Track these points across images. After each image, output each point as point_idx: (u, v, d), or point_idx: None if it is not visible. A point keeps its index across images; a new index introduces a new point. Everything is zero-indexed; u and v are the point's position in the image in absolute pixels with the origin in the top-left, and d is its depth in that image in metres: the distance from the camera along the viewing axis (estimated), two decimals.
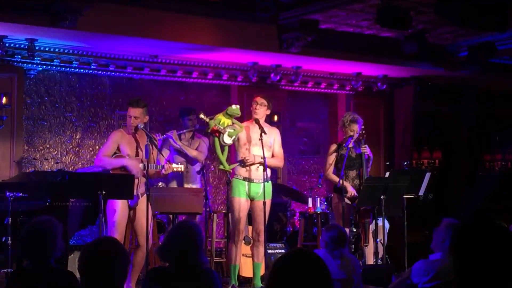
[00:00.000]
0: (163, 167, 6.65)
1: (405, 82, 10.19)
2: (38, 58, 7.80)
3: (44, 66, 8.04)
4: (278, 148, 7.04)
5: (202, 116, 6.81)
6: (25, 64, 7.90)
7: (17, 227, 6.19)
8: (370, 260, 7.39)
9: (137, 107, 6.58)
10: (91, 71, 8.34)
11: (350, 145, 7.41)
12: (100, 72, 8.41)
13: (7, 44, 7.44)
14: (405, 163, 9.87)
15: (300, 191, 9.22)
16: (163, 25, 7.53)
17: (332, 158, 7.50)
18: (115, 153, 6.57)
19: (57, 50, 7.84)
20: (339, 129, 8.22)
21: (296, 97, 10.26)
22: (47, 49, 7.76)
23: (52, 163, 8.27)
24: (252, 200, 6.87)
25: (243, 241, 7.13)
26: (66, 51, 7.92)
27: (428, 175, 7.95)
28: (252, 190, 6.83)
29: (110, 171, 6.48)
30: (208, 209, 7.22)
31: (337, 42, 8.55)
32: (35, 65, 7.96)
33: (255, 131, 6.82)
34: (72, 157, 8.53)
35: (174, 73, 8.76)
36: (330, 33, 8.42)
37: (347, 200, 7.29)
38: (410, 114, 10.19)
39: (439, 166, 11.11)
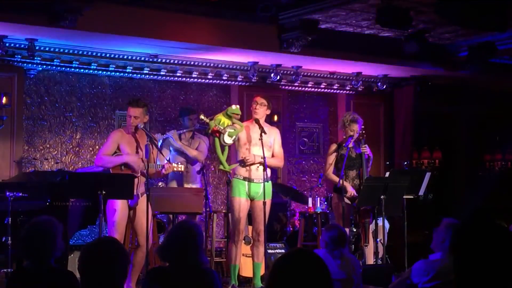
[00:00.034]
0: (163, 167, 6.65)
1: (405, 82, 10.19)
2: (38, 58, 7.80)
3: (44, 66, 8.04)
4: (278, 148, 7.04)
5: (202, 116, 6.81)
6: (25, 64, 7.90)
7: (17, 227, 6.19)
8: (370, 260, 7.39)
9: (137, 107, 6.58)
10: (91, 71, 8.33)
11: (350, 145, 7.41)
12: (100, 72, 8.41)
13: (7, 44, 7.43)
14: (405, 163, 9.87)
15: (300, 191, 9.22)
16: (163, 25, 7.53)
17: (332, 158, 7.50)
18: (115, 152, 6.58)
19: (57, 50, 7.83)
20: (339, 129, 8.23)
21: (296, 97, 10.26)
22: (47, 49, 7.76)
23: (52, 163, 8.27)
24: (252, 200, 6.87)
25: (243, 241, 7.13)
26: (66, 51, 7.91)
27: (428, 175, 7.95)
28: (252, 190, 6.83)
29: (110, 170, 6.49)
30: (208, 209, 7.22)
31: (337, 42, 8.55)
32: (35, 65, 7.96)
33: (255, 131, 6.83)
34: (72, 157, 8.53)
35: (174, 73, 8.75)
36: (330, 33, 8.41)
37: (347, 200, 7.29)
38: (410, 114, 10.19)
39: (439, 166, 11.11)
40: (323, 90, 10.08)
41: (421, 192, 7.92)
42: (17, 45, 7.57)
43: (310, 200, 8.60)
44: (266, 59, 8.74)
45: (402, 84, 10.25)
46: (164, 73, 8.68)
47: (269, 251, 7.86)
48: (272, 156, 6.99)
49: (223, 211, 8.55)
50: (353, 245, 7.35)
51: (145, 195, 6.36)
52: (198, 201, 6.64)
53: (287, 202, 8.79)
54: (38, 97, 8.34)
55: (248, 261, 7.54)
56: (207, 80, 9.08)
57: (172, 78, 8.88)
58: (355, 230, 7.36)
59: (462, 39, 8.92)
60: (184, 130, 7.52)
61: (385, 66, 9.37)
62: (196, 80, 9.01)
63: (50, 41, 7.62)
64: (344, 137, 7.58)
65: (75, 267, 4.34)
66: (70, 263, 6.95)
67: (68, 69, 8.19)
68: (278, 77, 9.11)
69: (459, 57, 9.30)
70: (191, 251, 3.69)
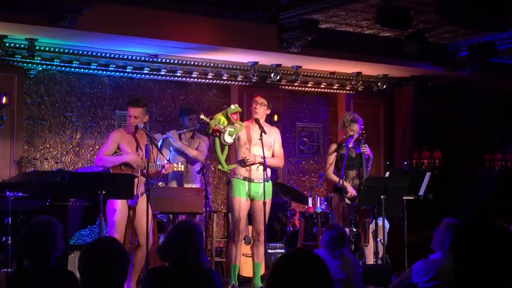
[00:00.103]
0: (163, 167, 6.65)
1: (405, 82, 10.18)
2: (38, 58, 7.80)
3: (44, 66, 8.04)
4: (278, 148, 7.05)
5: (202, 116, 6.81)
6: (25, 64, 7.89)
7: (17, 227, 6.19)
8: (370, 260, 7.39)
9: (137, 106, 6.58)
10: (91, 71, 8.33)
11: (350, 145, 7.41)
12: (100, 72, 8.41)
13: (7, 44, 7.43)
14: (405, 163, 9.87)
15: (300, 191, 9.22)
16: (163, 24, 7.53)
17: (332, 158, 7.50)
18: (115, 152, 6.58)
19: (57, 49, 7.83)
20: (339, 129, 8.23)
21: (296, 97, 10.26)
22: (47, 48, 7.75)
23: (52, 163, 8.27)
24: (252, 200, 6.87)
25: (243, 241, 7.14)
26: (66, 50, 7.90)
27: (428, 175, 7.95)
28: (252, 190, 6.83)
29: (110, 170, 6.49)
30: (208, 209, 7.22)
31: (337, 41, 8.54)
32: (35, 65, 7.96)
33: (255, 130, 6.83)
34: (72, 157, 8.53)
35: (174, 73, 8.75)
36: (330, 33, 8.41)
37: (347, 200, 7.29)
38: (410, 114, 10.19)
39: (439, 166, 11.11)
40: (323, 90, 10.08)
41: (421, 192, 7.92)
42: (17, 45, 7.57)
43: (310, 200, 8.60)
44: (266, 59, 8.74)
45: (402, 84, 10.25)
46: (164, 73, 8.68)
47: (269, 251, 7.86)
48: (272, 156, 6.99)
49: (223, 211, 8.55)
50: (353, 245, 7.35)
51: (145, 195, 6.36)
52: (198, 201, 6.64)
53: (287, 202, 8.79)
54: (38, 97, 8.33)
55: (248, 261, 7.54)
56: (207, 80, 9.07)
57: (172, 78, 8.87)
58: (355, 230, 7.36)
59: (462, 39, 8.91)
60: (184, 130, 7.52)
61: (385, 66, 9.37)
62: (196, 80, 9.01)
63: (50, 41, 7.62)
64: (344, 137, 7.58)
65: (75, 267, 4.34)
66: (70, 263, 6.95)
67: (68, 69, 8.19)
68: (278, 77, 9.11)
69: (459, 57, 9.30)
70: (191, 251, 3.69)
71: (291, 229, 8.88)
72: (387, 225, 7.96)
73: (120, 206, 6.45)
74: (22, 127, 8.15)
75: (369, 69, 9.65)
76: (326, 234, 5.34)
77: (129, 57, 8.31)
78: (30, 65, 7.93)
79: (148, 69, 8.56)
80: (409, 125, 10.20)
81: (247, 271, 7.75)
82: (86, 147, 8.63)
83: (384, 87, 10.05)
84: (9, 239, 6.19)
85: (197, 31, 7.71)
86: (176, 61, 8.59)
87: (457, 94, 10.66)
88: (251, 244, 7.17)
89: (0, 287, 6.03)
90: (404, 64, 9.29)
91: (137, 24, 7.36)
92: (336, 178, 7.32)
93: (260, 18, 7.83)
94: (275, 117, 9.32)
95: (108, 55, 8.13)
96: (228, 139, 6.75)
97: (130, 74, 8.59)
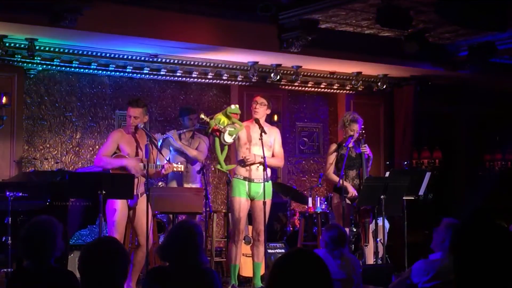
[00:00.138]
0: (162, 167, 6.65)
1: (405, 82, 10.19)
2: (38, 58, 7.79)
3: (44, 66, 8.04)
4: (278, 148, 7.05)
5: (202, 116, 6.82)
6: (25, 64, 7.89)
7: (17, 227, 6.18)
8: (370, 259, 7.39)
9: (137, 107, 6.58)
10: (91, 71, 8.33)
11: (350, 145, 7.41)
12: (100, 71, 8.41)
13: (7, 44, 7.43)
14: (405, 162, 9.87)
15: (300, 191, 9.22)
16: (163, 24, 7.53)
17: (332, 158, 7.50)
18: (115, 152, 6.58)
19: (57, 49, 7.83)
20: (339, 129, 8.23)
21: (296, 97, 10.26)
22: (47, 48, 7.75)
23: (52, 162, 8.27)
24: (252, 200, 6.87)
25: (243, 241, 7.14)
26: (66, 50, 7.90)
27: (428, 175, 7.95)
28: (252, 190, 6.83)
29: (110, 171, 6.48)
30: (208, 209, 7.22)
31: (337, 41, 8.54)
32: (35, 65, 7.96)
33: (255, 130, 6.83)
34: (72, 156, 8.53)
35: (174, 73, 8.75)
36: (330, 33, 8.41)
37: (347, 200, 7.29)
38: (410, 114, 10.19)
39: (439, 166, 11.11)
40: (323, 90, 10.08)
41: (421, 192, 7.92)
42: (17, 45, 7.57)
43: (310, 200, 8.60)
44: (266, 59, 8.74)
45: (402, 84, 10.25)
46: (164, 73, 8.68)
47: (269, 251, 7.86)
48: (272, 156, 6.99)
49: (223, 211, 8.55)
50: (353, 245, 7.35)
51: (145, 195, 6.36)
52: (198, 201, 6.65)
53: (287, 202, 8.79)
54: (38, 97, 8.33)
55: (248, 261, 7.54)
56: (207, 80, 9.07)
57: (172, 78, 8.87)
58: (355, 230, 7.36)
59: (462, 39, 8.91)
60: (184, 130, 7.52)
61: (385, 66, 9.37)
62: (196, 80, 9.01)
63: (50, 41, 7.62)
64: (344, 137, 7.58)
65: (75, 267, 4.34)
66: (70, 263, 6.95)
67: (68, 69, 8.19)
68: (278, 77, 9.11)
69: (459, 57, 9.30)
70: (191, 251, 3.69)
71: (291, 229, 8.88)
72: (387, 225, 7.95)
73: (120, 206, 6.45)
74: (22, 127, 8.15)
75: (369, 69, 9.65)
76: (326, 234, 5.34)
77: (129, 57, 8.31)
78: (30, 65, 7.93)
79: (148, 69, 8.56)
80: (409, 125, 10.20)
81: (247, 271, 7.75)
82: (86, 147, 8.63)
83: (384, 87, 10.05)
84: (9, 239, 6.19)
85: (197, 31, 7.71)
86: (176, 61, 8.58)
87: (457, 94, 10.66)
88: (251, 244, 7.17)
89: (0, 287, 6.03)
90: (404, 64, 9.29)
91: (137, 24, 7.36)
92: (336, 178, 7.31)
93: (260, 18, 7.83)
94: (275, 117, 9.32)
95: (108, 55, 8.13)
96: (228, 139, 6.76)
97: (130, 74, 8.59)
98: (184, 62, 8.64)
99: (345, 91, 10.22)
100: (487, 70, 9.65)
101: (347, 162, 7.29)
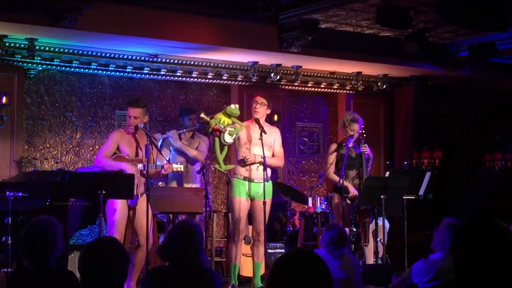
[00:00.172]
0: (162, 167, 6.65)
1: (405, 81, 10.19)
2: (38, 58, 7.80)
3: (44, 66, 8.04)
4: (278, 148, 7.05)
5: (202, 115, 6.82)
6: (25, 64, 7.89)
7: (17, 227, 6.18)
8: (370, 259, 7.39)
9: (137, 107, 6.58)
10: (91, 71, 8.33)
11: (350, 145, 7.41)
12: (100, 71, 8.41)
13: (7, 44, 7.43)
14: (405, 162, 9.87)
15: (300, 191, 9.22)
16: (163, 24, 7.53)
17: (332, 158, 7.50)
18: (114, 153, 6.57)
19: (57, 49, 7.83)
20: (339, 129, 8.23)
21: (296, 97, 10.26)
22: (47, 48, 7.75)
23: (52, 162, 8.27)
24: (252, 199, 6.87)
25: (243, 241, 7.14)
26: (66, 50, 7.90)
27: (428, 174, 7.95)
28: (253, 190, 6.83)
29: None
30: (208, 209, 7.22)
31: (337, 41, 8.54)
32: (35, 65, 7.96)
33: (255, 130, 6.83)
34: (72, 156, 8.53)
35: (174, 73, 8.75)
36: (330, 33, 8.41)
37: (347, 200, 7.29)
38: (410, 114, 10.19)
39: (439, 166, 11.11)
40: (323, 90, 10.08)
41: (421, 192, 7.92)
42: (17, 45, 7.57)
43: (310, 200, 8.60)
44: (266, 58, 8.74)
45: (402, 84, 10.25)
46: (164, 73, 8.68)
47: (269, 251, 7.86)
48: (273, 155, 6.99)
49: (223, 211, 8.55)
50: (353, 245, 7.35)
51: (145, 195, 6.36)
52: (198, 200, 6.64)
53: (287, 202, 8.79)
54: (38, 97, 8.33)
55: (248, 261, 7.54)
56: (207, 80, 9.07)
57: (172, 78, 8.87)
58: (355, 229, 7.36)
59: (462, 39, 8.92)
60: (184, 130, 7.52)
61: (385, 65, 9.37)
62: (196, 79, 9.01)
63: (50, 40, 7.62)
64: (344, 136, 7.58)
65: (75, 267, 4.35)
66: (70, 263, 6.95)
67: (68, 68, 8.19)
68: (278, 77, 9.11)
69: (459, 57, 9.30)
70: (191, 251, 3.69)
71: (291, 229, 8.88)
72: (387, 225, 7.95)
73: (120, 206, 6.45)
74: (22, 127, 8.15)
75: (369, 69, 9.65)
76: (326, 234, 5.34)
77: (129, 57, 8.31)
78: (30, 65, 7.93)
79: (148, 69, 8.56)
80: (409, 125, 10.20)
81: (247, 271, 7.75)
82: (86, 147, 8.63)
83: (384, 87, 10.05)
84: (9, 239, 6.19)
85: (197, 31, 7.71)
86: (176, 61, 8.58)
87: (457, 94, 10.66)
88: (251, 244, 7.17)
89: (0, 287, 6.03)
90: (404, 64, 9.29)
91: (137, 24, 7.36)
92: (337, 178, 7.31)
93: (260, 18, 7.83)
94: (275, 117, 9.32)
95: (108, 55, 8.13)
96: (228, 138, 6.75)
97: (130, 74, 8.59)
98: (184, 62, 8.64)
99: (345, 91, 10.22)
100: (487, 70, 9.65)
101: (347, 162, 7.29)
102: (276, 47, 8.20)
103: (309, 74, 9.61)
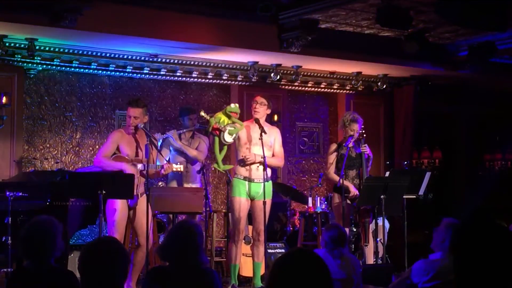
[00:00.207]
0: (162, 167, 6.65)
1: (405, 81, 10.19)
2: (38, 58, 7.80)
3: (44, 66, 8.04)
4: (278, 148, 7.05)
5: (202, 113, 6.82)
6: (25, 64, 7.89)
7: (17, 227, 6.18)
8: (370, 259, 7.39)
9: (137, 107, 6.58)
10: (91, 71, 8.33)
11: (350, 145, 7.41)
12: (100, 71, 8.41)
13: (7, 44, 7.43)
14: (405, 162, 9.87)
15: (300, 191, 9.22)
16: (163, 24, 7.53)
17: (332, 158, 7.51)
18: (114, 153, 6.57)
19: (57, 49, 7.83)
20: (339, 129, 8.23)
21: (296, 97, 10.26)
22: (47, 48, 7.75)
23: (52, 162, 8.27)
24: (252, 199, 6.87)
25: (243, 241, 7.14)
26: (66, 50, 7.90)
27: (428, 174, 7.95)
28: (253, 190, 6.83)
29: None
30: (208, 209, 7.22)
31: (337, 41, 8.54)
32: (35, 65, 7.96)
33: (255, 130, 6.83)
34: (72, 156, 8.53)
35: (174, 73, 8.75)
36: (330, 33, 8.41)
37: (347, 200, 7.29)
38: (410, 114, 10.19)
39: (439, 166, 11.12)
40: (323, 90, 10.08)
41: (421, 192, 7.92)
42: (17, 45, 7.57)
43: (310, 199, 8.60)
44: (266, 58, 8.74)
45: (402, 84, 10.25)
46: (164, 73, 8.68)
47: (269, 250, 7.86)
48: (273, 155, 6.99)
49: (223, 210, 8.56)
50: (353, 245, 7.35)
51: (145, 195, 6.36)
52: (198, 200, 6.64)
53: (287, 202, 8.79)
54: (38, 97, 8.33)
55: (248, 261, 7.54)
56: (207, 80, 9.07)
57: (172, 77, 8.88)
58: (355, 229, 7.36)
59: (462, 39, 8.92)
60: (184, 130, 7.52)
61: (385, 65, 9.37)
62: (196, 79, 9.01)
63: (50, 40, 7.62)
64: (344, 136, 7.58)
65: (75, 267, 4.34)
66: (70, 263, 6.95)
67: (68, 68, 8.19)
68: (278, 77, 9.11)
69: (459, 57, 9.30)
70: (191, 251, 3.69)
71: (291, 229, 8.88)
72: (387, 225, 7.96)
73: (120, 206, 6.44)
74: (22, 127, 8.15)
75: (369, 69, 9.65)
76: (326, 234, 5.34)
77: (129, 57, 8.31)
78: (30, 65, 7.93)
79: (148, 69, 8.56)
80: (409, 125, 10.20)
81: (247, 271, 7.75)
82: (86, 147, 8.63)
83: (384, 87, 10.05)
84: (9, 239, 6.19)
85: (197, 31, 7.71)
86: (176, 61, 8.59)
87: (457, 94, 10.66)
88: (251, 244, 7.17)
89: (0, 287, 6.03)
90: (404, 64, 9.29)
91: (137, 24, 7.36)
92: (337, 178, 7.31)
93: (260, 18, 7.83)
94: (275, 117, 9.32)
95: (108, 55, 8.13)
96: (228, 138, 6.75)
97: (130, 74, 8.59)
98: (184, 62, 8.64)
99: (345, 91, 10.22)
100: (487, 70, 9.65)
101: (347, 162, 7.29)
102: (276, 47, 8.20)
103: (309, 74, 9.61)
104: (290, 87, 9.79)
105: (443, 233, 4.68)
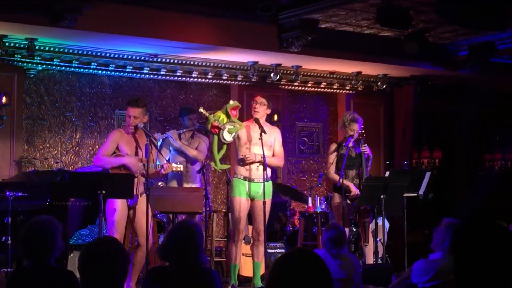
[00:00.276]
0: (162, 166, 6.65)
1: (405, 81, 10.19)
2: (38, 58, 7.79)
3: (44, 66, 8.04)
4: (278, 148, 7.04)
5: (201, 110, 6.81)
6: (25, 64, 7.89)
7: (17, 227, 6.18)
8: (370, 259, 7.39)
9: (137, 106, 6.58)
10: (91, 71, 8.33)
11: (350, 145, 7.41)
12: (100, 71, 8.41)
13: (7, 44, 7.43)
14: (405, 162, 9.87)
15: (300, 191, 9.22)
16: (163, 24, 7.53)
17: (332, 158, 7.51)
18: (114, 152, 6.57)
19: (57, 49, 7.83)
20: (339, 129, 8.23)
21: (296, 97, 10.26)
22: (47, 48, 7.75)
23: (52, 162, 8.27)
24: (252, 199, 6.86)
25: (243, 241, 7.13)
26: (66, 50, 7.90)
27: (428, 174, 7.96)
28: (253, 190, 6.83)
29: (110, 171, 6.48)
30: (208, 209, 7.22)
31: (337, 41, 8.54)
32: (35, 65, 7.95)
33: (255, 130, 6.82)
34: (72, 156, 8.53)
35: (174, 73, 8.75)
36: (330, 33, 8.41)
37: (347, 200, 7.29)
38: (410, 114, 10.19)
39: (439, 166, 11.11)
40: (323, 89, 10.08)
41: (421, 192, 7.93)
42: (17, 45, 7.57)
43: (310, 199, 8.59)
44: (266, 58, 8.74)
45: (402, 84, 10.25)
46: (164, 73, 8.68)
47: (269, 250, 7.86)
48: (273, 155, 6.98)
49: (223, 210, 8.56)
50: (353, 245, 7.35)
51: (144, 195, 6.36)
52: (198, 200, 6.65)
53: (287, 202, 8.79)
54: (38, 97, 8.33)
55: (248, 261, 7.54)
56: (207, 80, 9.07)
57: (172, 77, 8.88)
58: (355, 229, 7.36)
59: (462, 39, 8.92)
60: (184, 130, 7.52)
61: (385, 65, 9.37)
62: (196, 79, 9.01)
63: (50, 40, 7.62)
64: (344, 136, 7.58)
65: (75, 267, 4.34)
66: (70, 263, 6.95)
67: (68, 68, 8.19)
68: (278, 77, 9.11)
69: (459, 56, 9.30)
70: (191, 251, 3.69)
71: (291, 228, 8.89)
72: (387, 224, 7.96)
73: (119, 205, 6.44)
74: (22, 127, 8.14)
75: (369, 69, 9.65)
76: (325, 234, 5.35)
77: (129, 57, 8.31)
78: (30, 65, 7.93)
79: (148, 69, 8.56)
80: (409, 125, 10.20)
81: (247, 271, 7.75)
82: (86, 147, 8.63)
83: (384, 86, 10.05)
84: (9, 239, 6.19)
85: (197, 31, 7.71)
86: (176, 61, 8.58)
87: (457, 94, 10.66)
88: (251, 244, 7.17)
89: (0, 287, 6.03)
90: (404, 64, 9.29)
91: (137, 24, 7.36)
92: (337, 178, 7.31)
93: (260, 18, 7.83)
94: (275, 117, 9.32)
95: (108, 55, 8.13)
96: (228, 137, 6.74)
97: (130, 74, 8.59)
98: (184, 62, 8.64)
99: (345, 91, 10.22)
100: (487, 70, 9.65)
101: (347, 162, 7.30)
102: (276, 47, 8.20)
103: (309, 74, 9.61)
104: (290, 87, 9.79)
105: (443, 233, 4.68)
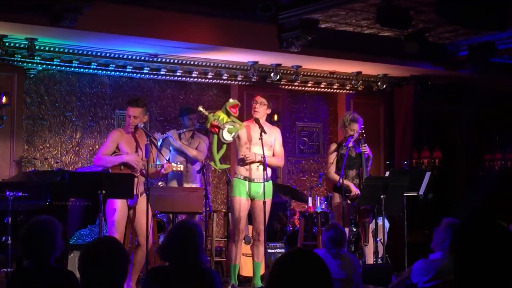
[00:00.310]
0: (162, 166, 6.65)
1: (405, 81, 10.19)
2: (38, 58, 7.79)
3: (44, 66, 8.04)
4: (278, 148, 7.04)
5: (201, 108, 6.82)
6: (25, 64, 7.89)
7: (17, 227, 6.18)
8: (370, 259, 7.39)
9: (137, 106, 6.58)
10: (91, 71, 8.33)
11: (350, 145, 7.41)
12: (100, 71, 8.41)
13: (7, 44, 7.43)
14: (405, 162, 9.87)
15: (300, 191, 9.22)
16: (163, 24, 7.53)
17: (332, 157, 7.51)
18: (114, 152, 6.57)
19: (57, 49, 7.83)
20: (339, 129, 8.23)
21: (296, 97, 10.26)
22: (47, 48, 7.75)
23: (52, 162, 8.27)
24: (252, 199, 6.86)
25: (243, 241, 7.13)
26: (66, 50, 7.90)
27: (428, 174, 7.96)
28: (253, 190, 6.83)
29: (110, 170, 6.48)
30: (208, 209, 7.22)
31: (337, 41, 8.54)
32: (35, 65, 7.95)
33: (255, 130, 6.82)
34: (72, 156, 8.53)
35: (174, 73, 8.75)
36: (330, 33, 8.41)
37: (347, 200, 7.29)
38: (410, 114, 10.19)
39: (439, 166, 11.11)
40: (323, 89, 10.08)
41: (421, 192, 7.93)
42: (17, 45, 7.57)
43: (310, 199, 8.59)
44: (266, 58, 8.74)
45: (402, 84, 10.25)
46: (164, 73, 8.68)
47: (269, 250, 7.86)
48: (273, 155, 6.98)
49: (223, 210, 8.56)
50: (353, 245, 7.35)
51: (144, 194, 6.36)
52: (198, 200, 6.65)
53: (287, 202, 8.79)
54: (38, 97, 8.33)
55: (248, 261, 7.54)
56: (207, 80, 9.07)
57: (172, 77, 8.87)
58: (355, 229, 7.36)
59: (462, 39, 8.91)
60: (184, 130, 7.53)
61: (385, 65, 9.37)
62: (196, 79, 9.01)
63: (50, 40, 7.62)
64: (344, 136, 7.58)
65: (75, 267, 4.34)
66: (70, 263, 6.95)
67: (68, 68, 8.19)
68: (278, 77, 9.11)
69: (459, 56, 9.30)
70: (191, 251, 3.69)
71: (291, 228, 8.89)
72: (387, 224, 7.96)
73: (119, 205, 6.44)
74: (22, 127, 8.15)
75: (369, 69, 9.65)
76: (325, 234, 5.35)
77: (129, 57, 8.31)
78: (30, 64, 7.93)
79: (148, 68, 8.56)
80: (409, 125, 10.20)
81: (247, 271, 7.75)
82: (86, 147, 8.63)
83: (384, 86, 10.05)
84: (9, 239, 6.19)
85: (197, 31, 7.71)
86: (176, 61, 8.58)
87: (457, 94, 10.66)
88: (251, 244, 7.17)
89: (0, 287, 6.03)
90: (404, 64, 9.29)
91: (137, 24, 7.36)
92: (337, 178, 7.31)
93: (260, 18, 7.83)
94: (275, 117, 9.31)
95: (108, 54, 8.13)
96: (227, 136, 6.73)
97: (130, 74, 8.59)
98: (184, 62, 8.64)
99: (345, 91, 10.22)
100: (487, 70, 9.65)
101: (347, 162, 7.30)
102: (276, 47, 8.20)
103: (309, 74, 9.61)
104: (290, 87, 9.79)
105: (443, 233, 4.68)
